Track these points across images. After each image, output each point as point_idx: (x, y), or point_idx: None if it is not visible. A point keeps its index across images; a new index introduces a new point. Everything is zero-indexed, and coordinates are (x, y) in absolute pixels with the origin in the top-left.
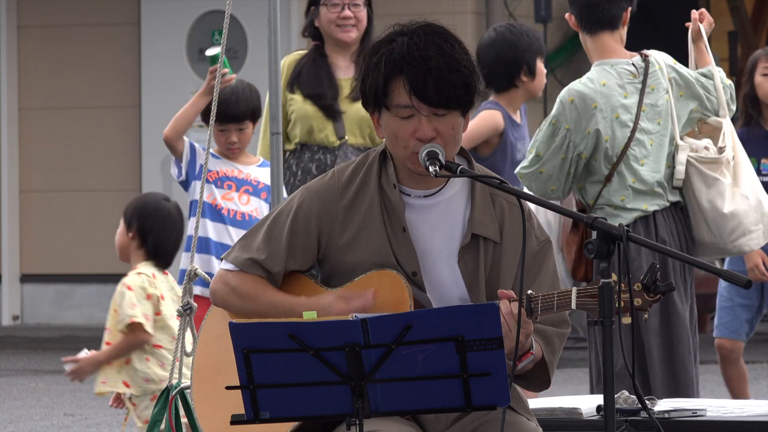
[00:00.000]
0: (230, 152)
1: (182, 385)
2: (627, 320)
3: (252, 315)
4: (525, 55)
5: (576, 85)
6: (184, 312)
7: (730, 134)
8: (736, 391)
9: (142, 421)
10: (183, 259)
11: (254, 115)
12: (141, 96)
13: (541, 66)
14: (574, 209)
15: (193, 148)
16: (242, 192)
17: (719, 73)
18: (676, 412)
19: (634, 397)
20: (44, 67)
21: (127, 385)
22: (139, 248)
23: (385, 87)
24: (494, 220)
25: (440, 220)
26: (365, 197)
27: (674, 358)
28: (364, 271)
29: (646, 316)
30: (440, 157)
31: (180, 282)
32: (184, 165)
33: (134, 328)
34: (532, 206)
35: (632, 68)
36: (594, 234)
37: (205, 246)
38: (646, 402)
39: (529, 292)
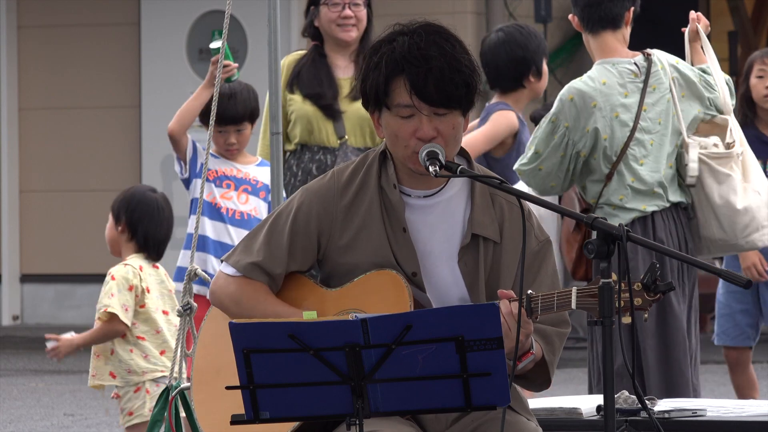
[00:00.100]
0: (229, 153)
1: (182, 386)
2: (627, 320)
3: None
4: (534, 56)
5: (576, 83)
6: (184, 312)
7: (737, 130)
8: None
9: (126, 413)
10: (181, 257)
11: (252, 116)
12: (141, 96)
13: (545, 67)
14: (576, 208)
15: (195, 147)
16: (241, 191)
17: (717, 69)
18: (676, 412)
19: (634, 397)
20: (44, 67)
21: (113, 376)
22: (129, 241)
23: (385, 87)
24: (494, 220)
25: (440, 220)
26: (365, 197)
27: (669, 359)
28: (363, 272)
29: (646, 315)
30: (440, 156)
31: (176, 278)
32: (186, 162)
33: (111, 316)
34: (531, 205)
35: (634, 67)
36: (594, 234)
37: (202, 244)
38: (646, 402)
39: (529, 292)
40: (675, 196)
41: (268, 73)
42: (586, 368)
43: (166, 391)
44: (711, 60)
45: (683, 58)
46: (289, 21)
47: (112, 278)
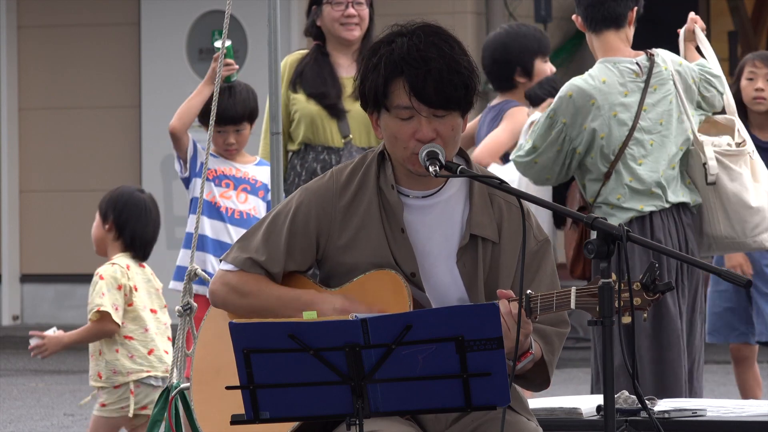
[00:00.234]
0: (228, 153)
1: (182, 386)
2: (627, 320)
3: (255, 311)
4: (519, 57)
5: (576, 80)
6: (184, 312)
7: (744, 131)
8: (749, 398)
9: (99, 403)
10: (181, 256)
11: (252, 117)
12: (141, 96)
13: (540, 67)
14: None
15: (195, 146)
16: (240, 190)
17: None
18: (676, 412)
19: (634, 397)
20: (44, 67)
21: (100, 376)
22: (116, 240)
23: (384, 88)
24: (493, 221)
25: (439, 220)
26: (364, 198)
27: (663, 360)
28: (363, 272)
29: (645, 315)
30: (440, 157)
31: (175, 278)
32: (186, 161)
33: (102, 316)
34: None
35: (635, 67)
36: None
37: (201, 244)
38: (646, 402)
39: (528, 291)
40: (677, 197)
41: (268, 73)
42: (586, 368)
43: (166, 391)
44: (711, 60)
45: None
46: (289, 21)
47: (101, 278)
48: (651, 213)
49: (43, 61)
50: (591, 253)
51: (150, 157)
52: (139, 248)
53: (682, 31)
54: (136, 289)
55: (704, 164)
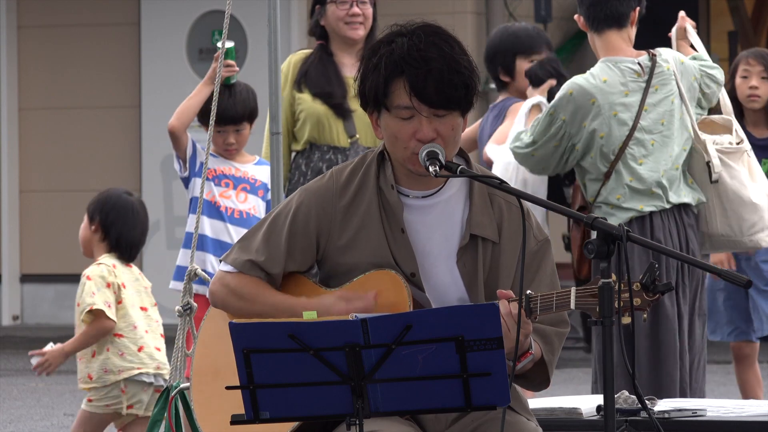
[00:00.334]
0: (227, 153)
1: (182, 386)
2: (627, 320)
3: (251, 316)
4: (500, 56)
5: (578, 78)
6: (184, 312)
7: (741, 130)
8: (749, 396)
9: (86, 398)
10: (181, 255)
11: (251, 117)
12: (141, 96)
13: (522, 66)
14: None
15: (194, 145)
16: (240, 190)
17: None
18: (676, 412)
19: (634, 397)
20: (44, 67)
21: (90, 378)
22: (102, 241)
23: (385, 88)
24: (492, 221)
25: (439, 220)
26: (364, 198)
27: (658, 360)
28: (363, 272)
29: (645, 315)
30: (440, 157)
31: (175, 277)
32: (185, 161)
33: (97, 315)
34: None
35: (637, 67)
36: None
37: (201, 243)
38: (646, 402)
39: (528, 292)
40: (679, 197)
41: (268, 73)
42: (585, 368)
43: (166, 391)
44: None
45: None
46: (289, 21)
47: (88, 278)
48: (651, 213)
49: (43, 61)
50: (591, 253)
51: (150, 157)
52: (125, 249)
53: (673, 31)
54: (124, 287)
55: (708, 162)
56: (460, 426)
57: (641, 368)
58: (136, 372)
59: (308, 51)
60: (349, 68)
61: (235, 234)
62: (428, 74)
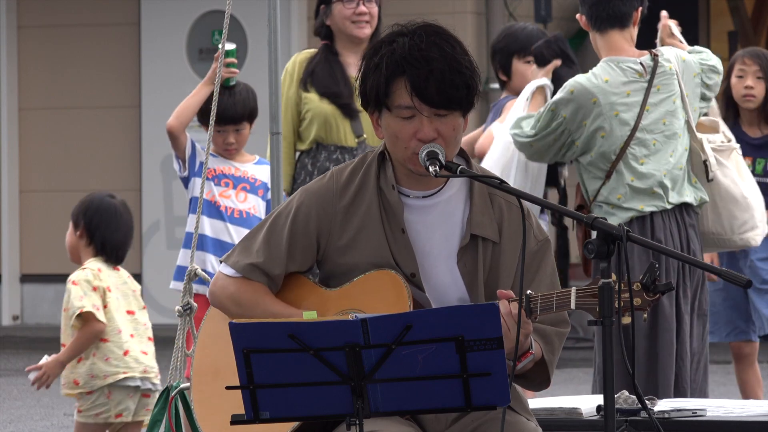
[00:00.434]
0: (227, 153)
1: (182, 386)
2: (627, 320)
3: None
4: (497, 56)
5: (580, 77)
6: (184, 312)
7: (728, 130)
8: (749, 396)
9: (77, 408)
10: (181, 255)
11: (251, 116)
12: (141, 96)
13: (518, 67)
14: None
15: (194, 145)
16: (239, 189)
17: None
18: (676, 412)
19: (634, 397)
20: (44, 67)
21: (77, 383)
22: (87, 245)
23: (386, 88)
24: (493, 221)
25: (439, 220)
26: (364, 198)
27: (655, 361)
28: (363, 272)
29: (645, 316)
30: (440, 157)
31: (176, 277)
32: (185, 161)
33: (86, 319)
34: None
35: (639, 67)
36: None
37: (200, 243)
38: (646, 402)
39: (528, 292)
40: (681, 197)
41: (268, 73)
42: (585, 368)
43: (166, 391)
44: None
45: None
46: (289, 21)
47: (74, 283)
48: (652, 213)
49: (43, 61)
50: (591, 253)
51: (150, 157)
52: (111, 253)
53: (658, 35)
54: (109, 290)
55: (705, 161)
56: (460, 426)
57: (638, 368)
58: (122, 376)
59: (313, 51)
60: (355, 68)
61: (235, 233)
62: (429, 74)
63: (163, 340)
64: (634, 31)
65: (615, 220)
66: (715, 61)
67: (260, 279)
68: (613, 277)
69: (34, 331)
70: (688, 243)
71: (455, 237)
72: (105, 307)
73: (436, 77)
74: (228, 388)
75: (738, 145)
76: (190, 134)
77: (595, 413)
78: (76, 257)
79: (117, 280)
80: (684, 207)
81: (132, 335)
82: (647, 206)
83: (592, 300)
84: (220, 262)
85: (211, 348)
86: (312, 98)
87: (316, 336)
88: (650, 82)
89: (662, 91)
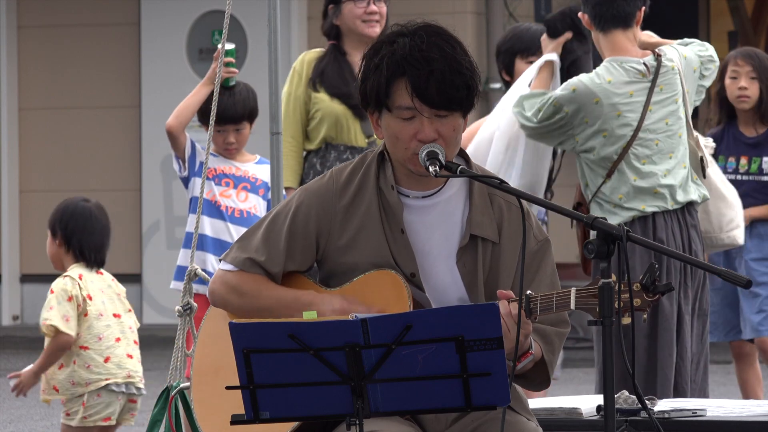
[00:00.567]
0: (227, 152)
1: (182, 385)
2: (627, 320)
3: (254, 312)
4: (501, 56)
5: (583, 77)
6: (184, 312)
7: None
8: (749, 396)
9: (64, 412)
10: (181, 255)
11: (251, 116)
12: (141, 96)
13: (521, 67)
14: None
15: (193, 145)
16: (240, 189)
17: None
18: (676, 412)
19: (634, 397)
20: (44, 67)
21: (56, 390)
22: (67, 252)
23: (386, 88)
24: (492, 221)
25: (439, 220)
26: (364, 198)
27: (654, 360)
28: (363, 272)
29: (645, 316)
30: (440, 157)
31: (176, 277)
32: (185, 161)
33: (55, 332)
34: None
35: (642, 67)
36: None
37: (201, 243)
38: (646, 402)
39: (528, 292)
40: (687, 195)
41: (268, 73)
42: (586, 368)
43: (166, 391)
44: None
45: None
46: (289, 21)
47: (51, 292)
48: (654, 213)
49: (43, 61)
50: (591, 253)
51: (150, 157)
52: (90, 257)
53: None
54: (90, 298)
55: (701, 158)
56: (460, 426)
57: (638, 368)
58: (104, 383)
59: (320, 50)
60: None
61: (235, 233)
62: (430, 75)
63: (163, 340)
64: (637, 30)
65: (617, 219)
66: (712, 51)
67: (259, 272)
68: (613, 277)
69: (34, 331)
70: (690, 243)
71: (455, 237)
72: (86, 315)
73: (436, 78)
74: (228, 388)
75: (714, 144)
76: (190, 134)
77: (595, 413)
78: (59, 265)
79: (101, 284)
80: (686, 207)
81: (118, 339)
82: (649, 206)
83: (592, 300)
84: (219, 260)
85: (211, 348)
86: (322, 98)
87: (316, 336)
88: (653, 82)
89: (665, 91)
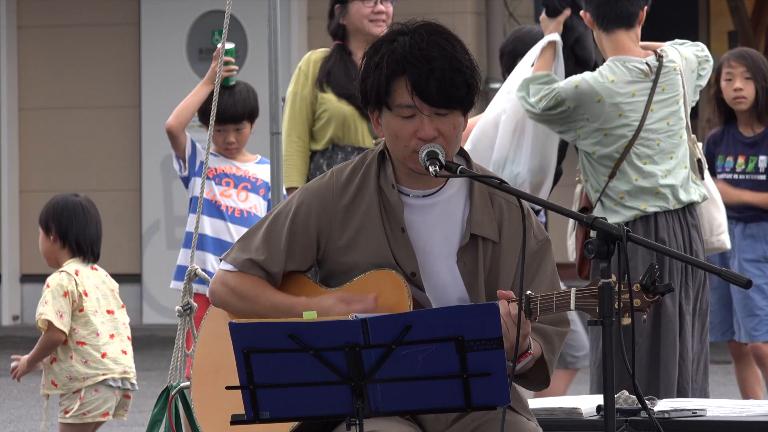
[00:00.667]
0: (228, 152)
1: (182, 385)
2: (626, 321)
3: (251, 315)
4: (504, 58)
5: (587, 74)
6: (184, 312)
7: None
8: (749, 395)
9: (62, 410)
10: (181, 255)
11: (252, 116)
12: (141, 96)
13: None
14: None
15: (194, 145)
16: (240, 189)
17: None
18: (676, 412)
19: (634, 397)
20: (44, 67)
21: (55, 384)
22: (63, 248)
23: (387, 86)
24: (493, 220)
25: (439, 220)
26: (364, 198)
27: (658, 361)
28: (363, 271)
29: (644, 316)
30: (440, 156)
31: (176, 277)
32: (185, 161)
33: (49, 326)
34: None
35: (645, 67)
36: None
37: (201, 243)
38: (646, 402)
39: (528, 292)
40: (689, 195)
41: (268, 73)
42: (586, 368)
43: (166, 391)
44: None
45: None
46: (289, 21)
47: (47, 286)
48: (656, 213)
49: (43, 61)
50: (591, 253)
51: (150, 157)
52: (87, 250)
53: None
54: (86, 294)
55: (698, 160)
56: (460, 426)
57: (640, 368)
58: (101, 378)
59: (325, 50)
60: None
61: (235, 233)
62: (430, 73)
63: (163, 340)
64: (638, 30)
65: (618, 217)
66: (707, 51)
67: (259, 274)
68: (613, 277)
69: (34, 331)
70: (691, 243)
71: (455, 236)
72: (81, 311)
73: (436, 76)
74: (228, 388)
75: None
76: (190, 134)
77: (595, 413)
78: (53, 262)
79: (96, 280)
80: (687, 207)
81: (112, 335)
82: (650, 206)
83: (592, 300)
84: (220, 260)
85: (211, 348)
86: (330, 99)
87: (316, 336)
88: (655, 81)
89: (667, 91)
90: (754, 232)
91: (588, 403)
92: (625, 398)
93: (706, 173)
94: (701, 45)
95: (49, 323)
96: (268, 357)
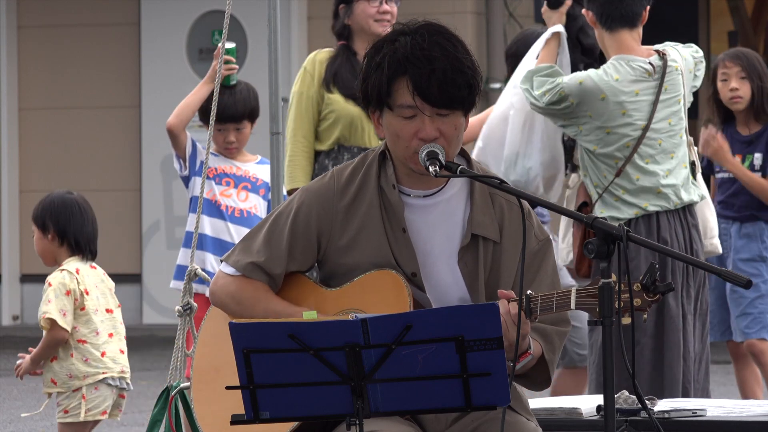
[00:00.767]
0: (228, 151)
1: (182, 385)
2: (627, 320)
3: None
4: (509, 60)
5: (591, 72)
6: (184, 312)
7: None
8: (748, 395)
9: (62, 410)
10: (181, 255)
11: (252, 115)
12: (141, 96)
13: None
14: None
15: (194, 144)
16: (240, 189)
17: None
18: (676, 412)
19: (634, 397)
20: (44, 67)
21: (54, 382)
22: (61, 246)
23: (388, 87)
24: (494, 220)
25: (440, 220)
26: (365, 198)
27: (662, 360)
28: (363, 272)
29: (645, 316)
30: (440, 157)
31: (176, 277)
32: (185, 160)
33: (52, 325)
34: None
35: (649, 67)
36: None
37: (200, 243)
38: (646, 402)
39: (529, 292)
40: (689, 195)
41: (268, 73)
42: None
43: (166, 391)
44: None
45: None
46: (289, 21)
47: (49, 285)
48: (657, 213)
49: (43, 61)
50: (591, 253)
51: (150, 157)
52: (85, 248)
53: None
54: (87, 293)
55: (692, 162)
56: (460, 426)
57: (645, 368)
58: (102, 376)
59: (330, 50)
60: None
61: (235, 233)
62: (432, 73)
63: (163, 340)
64: (641, 29)
65: (620, 214)
66: (701, 52)
67: (261, 278)
68: (614, 277)
69: (34, 331)
70: (691, 243)
71: (456, 236)
72: (82, 309)
73: (438, 77)
74: (228, 388)
75: None
76: (190, 133)
77: (595, 413)
78: (51, 261)
79: (95, 278)
80: (688, 207)
81: (111, 334)
82: (651, 205)
83: (592, 300)
84: (221, 261)
85: (211, 348)
86: (337, 99)
87: (316, 336)
88: (661, 81)
89: (669, 91)
90: (749, 231)
91: (588, 403)
92: (625, 398)
93: (699, 176)
94: (695, 47)
95: (53, 322)
96: (268, 357)
